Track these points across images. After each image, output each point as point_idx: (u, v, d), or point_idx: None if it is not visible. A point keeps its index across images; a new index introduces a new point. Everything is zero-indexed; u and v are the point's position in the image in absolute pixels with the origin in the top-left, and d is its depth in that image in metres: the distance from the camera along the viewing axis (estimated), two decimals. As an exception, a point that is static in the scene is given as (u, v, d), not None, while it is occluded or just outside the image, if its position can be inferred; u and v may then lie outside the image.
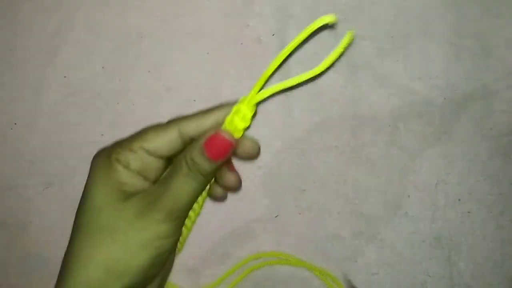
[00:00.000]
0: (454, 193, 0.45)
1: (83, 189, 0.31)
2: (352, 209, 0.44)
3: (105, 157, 0.31)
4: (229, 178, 0.34)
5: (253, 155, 0.34)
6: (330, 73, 0.45)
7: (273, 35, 0.46)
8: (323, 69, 0.31)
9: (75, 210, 0.47)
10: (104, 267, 0.29)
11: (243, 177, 0.44)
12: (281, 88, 0.31)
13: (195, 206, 0.34)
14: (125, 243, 0.29)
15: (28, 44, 0.46)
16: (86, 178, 0.45)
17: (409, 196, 0.44)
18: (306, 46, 0.46)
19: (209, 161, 0.30)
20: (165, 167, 0.33)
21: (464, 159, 0.45)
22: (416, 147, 0.45)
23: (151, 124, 0.33)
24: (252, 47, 0.46)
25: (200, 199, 0.35)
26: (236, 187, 0.34)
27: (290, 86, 0.31)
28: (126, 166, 0.31)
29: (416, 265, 0.43)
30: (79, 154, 0.45)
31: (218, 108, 0.32)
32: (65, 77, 0.46)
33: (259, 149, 0.34)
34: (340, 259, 0.43)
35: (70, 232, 0.31)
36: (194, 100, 0.46)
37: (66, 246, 0.30)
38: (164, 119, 0.45)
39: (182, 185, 0.30)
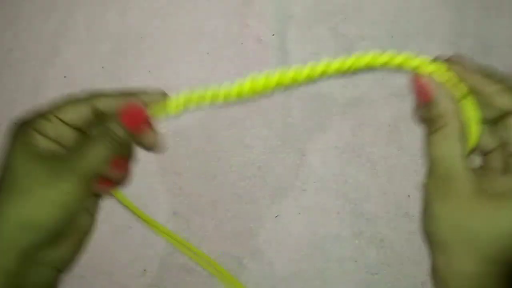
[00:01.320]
0: (454, 193, 0.45)
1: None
2: (352, 209, 0.44)
3: (23, 125, 0.33)
4: (147, 139, 0.34)
5: (153, 145, 0.36)
6: (330, 73, 0.45)
7: (273, 35, 0.46)
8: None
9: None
10: (14, 221, 0.31)
11: (243, 177, 0.44)
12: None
13: None
14: (36, 200, 0.31)
15: (28, 44, 0.46)
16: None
17: (409, 196, 0.44)
18: (306, 46, 0.46)
19: (125, 129, 0.32)
20: (80, 138, 0.34)
21: (464, 159, 0.45)
22: (416, 147, 0.45)
23: (67, 96, 0.35)
24: (252, 47, 0.46)
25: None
26: (155, 147, 0.35)
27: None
28: (43, 133, 0.33)
29: (416, 265, 0.43)
30: (79, 154, 0.45)
31: (134, 91, 0.33)
32: (65, 77, 0.46)
33: (159, 144, 0.35)
34: (340, 259, 0.43)
35: None
36: (194, 100, 0.46)
37: None
38: (164, 119, 0.45)
39: (93, 148, 0.32)
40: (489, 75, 0.30)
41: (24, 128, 0.33)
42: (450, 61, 0.31)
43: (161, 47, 0.46)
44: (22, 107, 0.46)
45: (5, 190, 0.32)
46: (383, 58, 0.32)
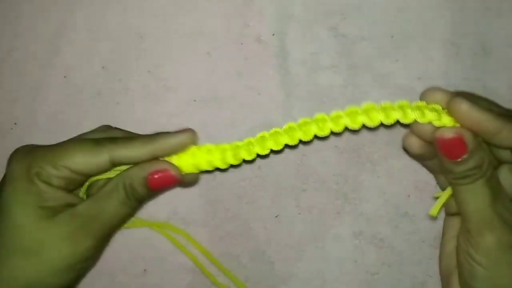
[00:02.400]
0: (454, 193, 0.45)
1: None
2: (352, 209, 0.44)
3: (24, 169, 0.29)
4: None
5: (191, 184, 0.34)
6: (330, 73, 0.45)
7: (273, 35, 0.46)
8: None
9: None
10: (20, 282, 0.28)
11: (243, 177, 0.44)
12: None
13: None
14: (49, 264, 0.28)
15: (28, 44, 0.46)
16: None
17: (409, 196, 0.44)
18: (306, 46, 0.46)
19: (149, 191, 0.30)
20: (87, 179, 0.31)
21: (464, 159, 0.45)
22: (416, 147, 0.45)
23: (78, 140, 0.31)
24: (252, 47, 0.46)
25: None
26: (194, 182, 0.34)
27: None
28: (48, 182, 0.29)
29: (416, 265, 0.43)
30: (79, 154, 0.45)
31: (156, 139, 0.31)
32: (65, 77, 0.46)
33: (198, 179, 0.34)
34: (340, 259, 0.43)
35: None
36: (194, 100, 0.46)
37: None
38: (164, 119, 0.45)
39: (117, 210, 0.30)
40: (491, 110, 0.28)
41: (26, 173, 0.29)
42: (454, 104, 0.28)
43: (161, 47, 0.46)
44: (22, 107, 0.46)
45: (12, 250, 0.28)
46: (395, 115, 0.31)
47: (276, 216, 0.44)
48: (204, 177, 0.44)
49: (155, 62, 0.46)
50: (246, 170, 0.44)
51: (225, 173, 0.44)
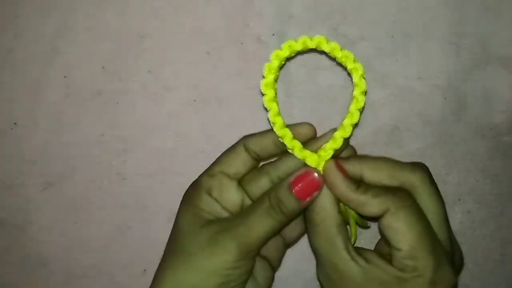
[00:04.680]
0: (454, 193, 0.45)
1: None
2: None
3: (193, 184, 0.34)
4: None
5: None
6: (330, 73, 0.45)
7: (273, 35, 0.46)
8: None
9: (75, 210, 0.48)
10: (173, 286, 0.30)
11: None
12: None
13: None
14: (195, 268, 0.30)
15: (28, 44, 0.46)
16: (85, 177, 0.46)
17: (409, 196, 0.44)
18: (306, 46, 0.46)
19: (295, 200, 0.30)
20: (243, 199, 0.33)
21: (464, 159, 0.45)
22: (416, 147, 0.45)
23: (226, 150, 0.35)
24: (252, 47, 0.46)
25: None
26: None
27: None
28: (208, 192, 0.32)
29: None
30: (79, 154, 0.45)
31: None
32: (65, 77, 0.46)
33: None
34: (340, 259, 0.43)
35: None
36: (194, 100, 0.46)
37: None
38: (164, 119, 0.46)
39: (260, 219, 0.30)
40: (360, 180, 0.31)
41: (193, 187, 0.33)
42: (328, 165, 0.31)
43: (161, 47, 0.46)
44: (22, 107, 0.46)
45: (170, 253, 0.32)
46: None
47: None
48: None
49: (155, 62, 0.46)
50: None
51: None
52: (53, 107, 0.46)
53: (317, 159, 0.32)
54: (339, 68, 0.45)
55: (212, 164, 0.34)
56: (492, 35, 0.45)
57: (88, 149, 0.45)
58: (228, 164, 0.33)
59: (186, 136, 0.45)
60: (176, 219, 0.33)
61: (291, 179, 0.30)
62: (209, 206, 0.32)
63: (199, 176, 0.34)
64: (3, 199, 0.45)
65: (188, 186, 0.35)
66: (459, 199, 0.45)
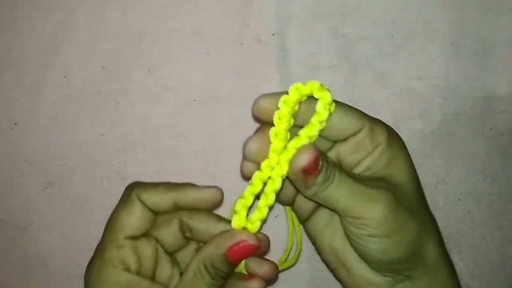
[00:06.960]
0: (454, 193, 0.45)
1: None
2: (352, 209, 0.44)
3: (100, 258, 0.33)
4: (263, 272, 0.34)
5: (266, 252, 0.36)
6: (330, 73, 0.45)
7: (273, 35, 0.46)
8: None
9: (75, 210, 0.47)
10: None
11: (243, 178, 0.44)
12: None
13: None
14: None
15: (28, 44, 0.46)
16: (85, 177, 0.45)
17: (409, 196, 0.44)
18: (306, 46, 0.46)
19: (231, 265, 0.31)
20: (156, 252, 0.34)
21: (464, 159, 0.45)
22: (416, 147, 0.45)
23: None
24: (252, 47, 0.46)
25: None
26: (273, 277, 0.35)
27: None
28: (127, 269, 0.32)
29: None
30: (79, 154, 0.45)
31: (179, 189, 0.34)
32: (65, 77, 0.46)
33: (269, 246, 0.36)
34: (340, 259, 0.43)
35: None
36: (194, 100, 0.46)
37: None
38: (164, 119, 0.46)
39: (193, 285, 0.31)
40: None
41: (101, 260, 0.33)
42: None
43: (161, 47, 0.46)
44: (22, 107, 0.46)
45: None
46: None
47: (276, 216, 0.44)
48: (204, 177, 0.44)
49: (155, 62, 0.46)
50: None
51: (225, 173, 0.44)
52: (53, 107, 0.46)
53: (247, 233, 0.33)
54: (339, 68, 0.45)
55: (110, 230, 0.33)
56: (492, 35, 0.45)
57: (88, 149, 0.45)
58: (129, 226, 0.33)
59: (186, 136, 0.45)
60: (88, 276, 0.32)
61: (225, 248, 0.31)
62: (127, 280, 0.32)
63: (100, 252, 0.33)
64: (3, 199, 0.45)
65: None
66: (459, 199, 0.45)
